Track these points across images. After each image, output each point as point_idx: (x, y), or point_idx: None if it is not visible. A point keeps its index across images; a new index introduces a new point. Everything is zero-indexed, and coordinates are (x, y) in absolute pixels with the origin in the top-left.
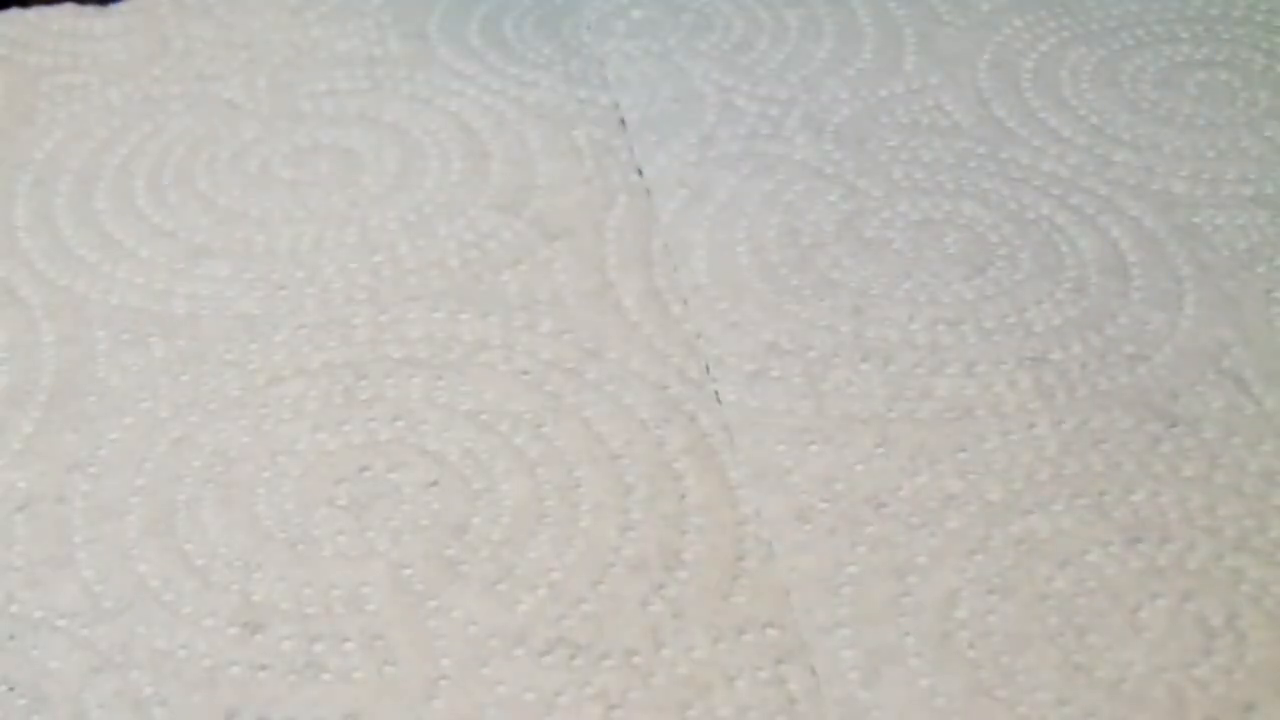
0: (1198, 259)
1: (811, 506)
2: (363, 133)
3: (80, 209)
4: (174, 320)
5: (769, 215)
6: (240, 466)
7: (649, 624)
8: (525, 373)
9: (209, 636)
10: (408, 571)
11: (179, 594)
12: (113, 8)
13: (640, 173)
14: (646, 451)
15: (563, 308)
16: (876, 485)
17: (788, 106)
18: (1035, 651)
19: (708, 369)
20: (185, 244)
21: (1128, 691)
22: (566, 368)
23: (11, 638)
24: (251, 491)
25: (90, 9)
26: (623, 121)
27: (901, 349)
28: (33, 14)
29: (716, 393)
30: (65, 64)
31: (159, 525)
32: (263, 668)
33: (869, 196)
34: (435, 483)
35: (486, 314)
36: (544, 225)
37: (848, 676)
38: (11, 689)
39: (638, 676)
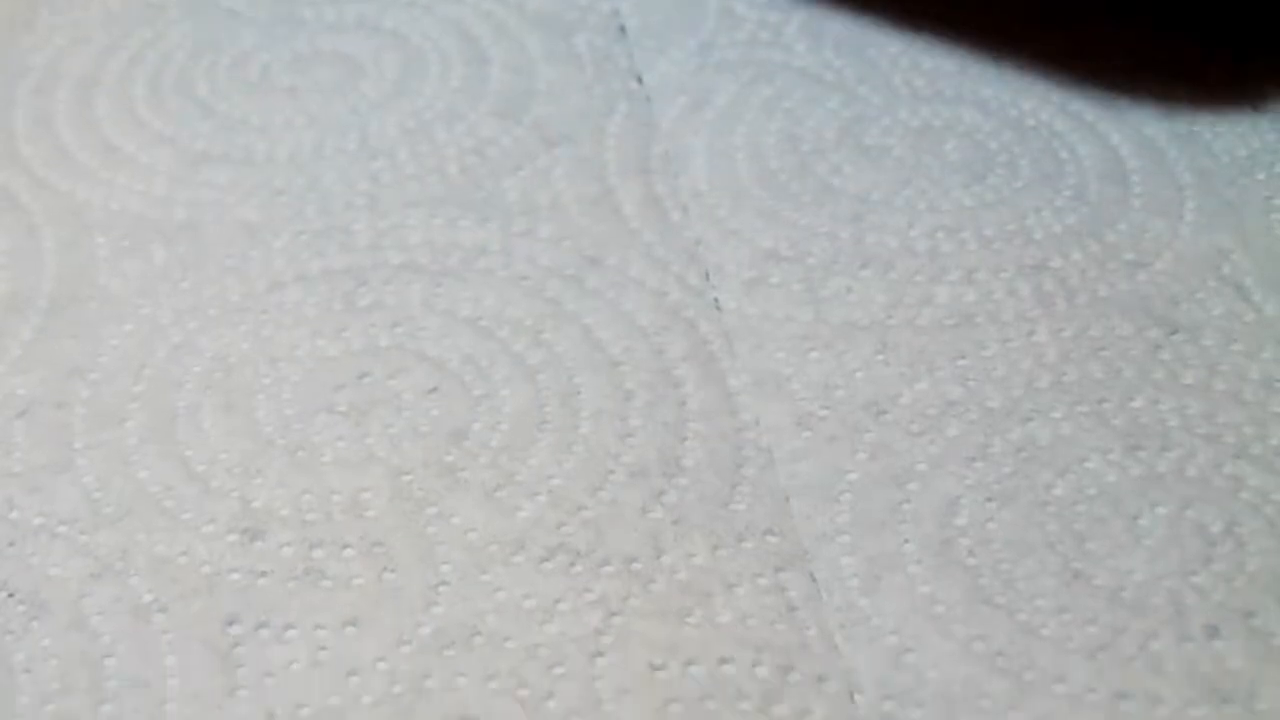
0: (1197, 166)
1: (811, 413)
2: (362, 39)
3: (80, 115)
4: (174, 226)
5: (768, 122)
6: (240, 372)
7: (649, 531)
8: (524, 279)
9: (209, 543)
10: (407, 478)
11: (179, 500)
12: None
13: (640, 80)
14: (646, 358)
15: (562, 214)
16: (876, 392)
17: (787, 13)
18: (1035, 558)
19: (707, 276)
20: (185, 150)
21: (1127, 598)
22: (566, 274)
23: (11, 544)
24: (251, 397)
25: None
26: (623, 29)
27: (901, 256)
28: None
29: (716, 300)
30: None
31: (159, 431)
32: (262, 574)
33: (869, 104)
34: (435, 389)
35: (486, 220)
36: (544, 132)
37: (847, 583)
38: (11, 595)
39: (638, 583)
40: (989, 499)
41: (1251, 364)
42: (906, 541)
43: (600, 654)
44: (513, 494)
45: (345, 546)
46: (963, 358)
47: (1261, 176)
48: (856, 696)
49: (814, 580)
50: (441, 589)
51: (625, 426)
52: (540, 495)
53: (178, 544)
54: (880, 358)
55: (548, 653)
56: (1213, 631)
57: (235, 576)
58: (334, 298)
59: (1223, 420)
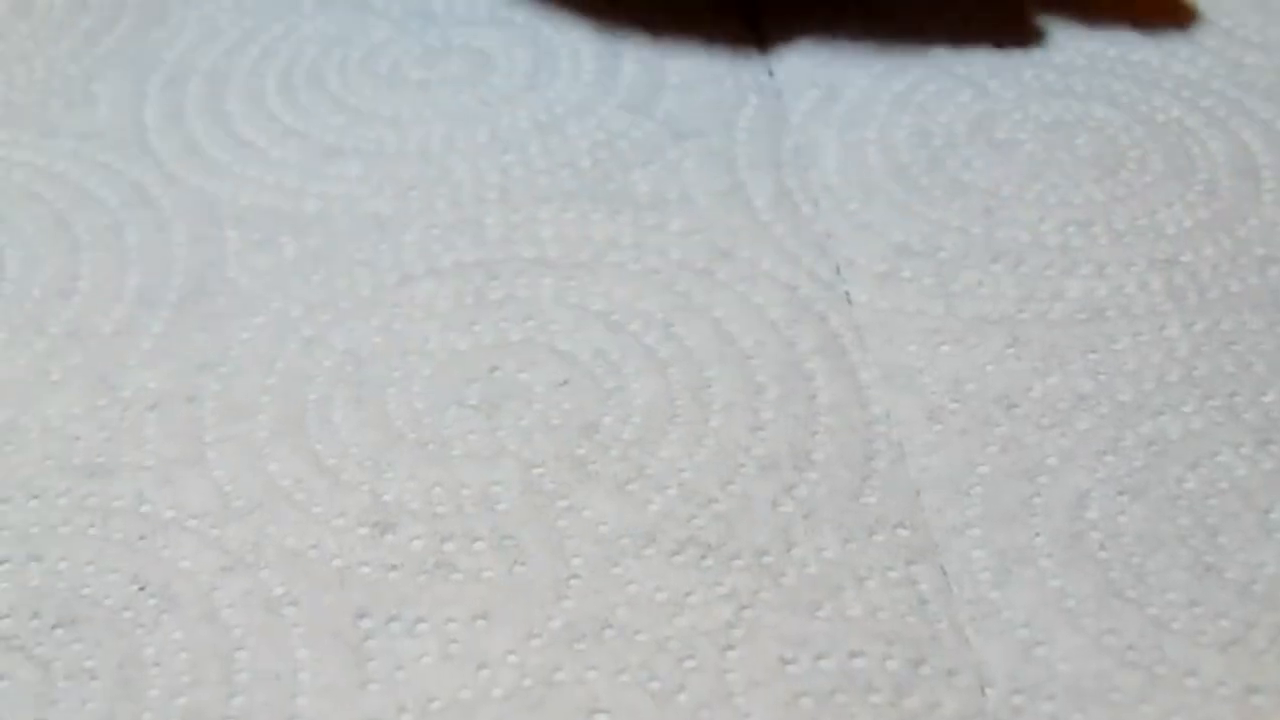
0: None
1: (942, 407)
2: (493, 33)
3: (211, 109)
4: (305, 220)
5: (900, 116)
6: (371, 366)
7: (780, 524)
8: (655, 272)
9: (339, 536)
10: (538, 471)
11: (309, 493)
12: None
13: (771, 73)
14: (777, 351)
15: (693, 208)
16: (1007, 386)
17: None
18: (1166, 552)
19: (838, 270)
20: (316, 144)
21: (1259, 592)
22: (697, 268)
23: (142, 538)
24: (382, 391)
25: None
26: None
27: (1032, 250)
28: None
29: (847, 293)
30: None
31: (289, 425)
32: (393, 567)
33: (1000, 98)
34: (566, 382)
35: (617, 213)
36: (674, 125)
37: (978, 577)
38: (142, 589)
39: (768, 576)
40: (1120, 493)
41: None
42: (1037, 535)
43: (731, 647)
44: (643, 487)
45: (476, 540)
46: (1094, 352)
47: None
48: (987, 690)
49: (945, 573)
50: (572, 582)
51: (756, 420)
52: (671, 488)
53: (308, 537)
54: (1011, 351)
55: (678, 646)
56: None
57: (366, 570)
58: (465, 291)
59: None
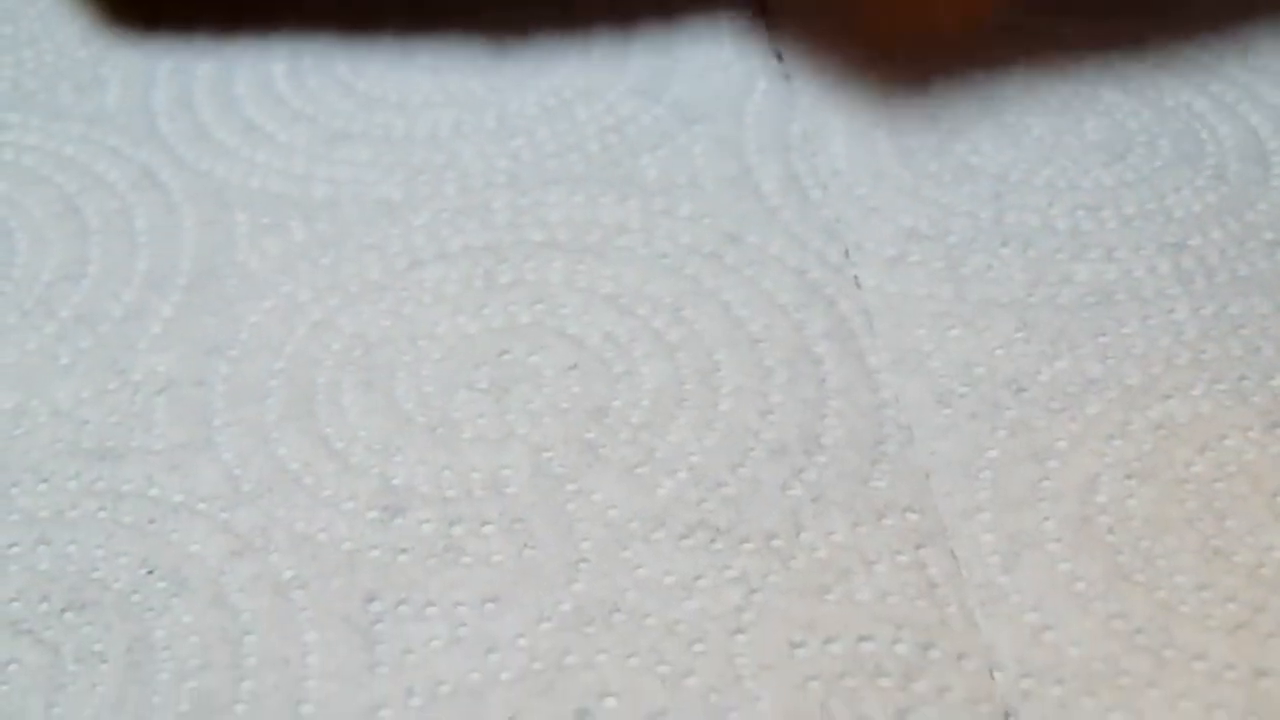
0: None
1: (951, 391)
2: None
3: (220, 94)
4: (314, 204)
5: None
6: (380, 350)
7: (789, 508)
8: (664, 256)
9: (349, 520)
10: (547, 455)
11: (319, 477)
12: None
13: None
14: (786, 335)
15: (702, 192)
16: (1016, 370)
17: None
18: (1174, 535)
19: (847, 254)
20: (325, 128)
21: (1267, 575)
22: (705, 252)
23: (151, 521)
24: (391, 375)
25: None
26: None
27: (1041, 234)
28: None
29: (856, 277)
30: None
31: (299, 408)
32: (402, 551)
33: (1008, 80)
34: (575, 366)
35: (625, 198)
36: (683, 110)
37: (987, 561)
38: (151, 572)
39: (777, 560)
40: (1129, 476)
41: None
42: (1046, 519)
43: (740, 631)
44: (653, 471)
45: (485, 523)
46: (1103, 335)
47: None
48: (996, 674)
49: (954, 557)
50: (581, 566)
51: (765, 403)
52: (680, 472)
53: (318, 521)
54: (1020, 335)
55: (687, 629)
56: None
57: (375, 553)
58: (474, 275)
59: None
